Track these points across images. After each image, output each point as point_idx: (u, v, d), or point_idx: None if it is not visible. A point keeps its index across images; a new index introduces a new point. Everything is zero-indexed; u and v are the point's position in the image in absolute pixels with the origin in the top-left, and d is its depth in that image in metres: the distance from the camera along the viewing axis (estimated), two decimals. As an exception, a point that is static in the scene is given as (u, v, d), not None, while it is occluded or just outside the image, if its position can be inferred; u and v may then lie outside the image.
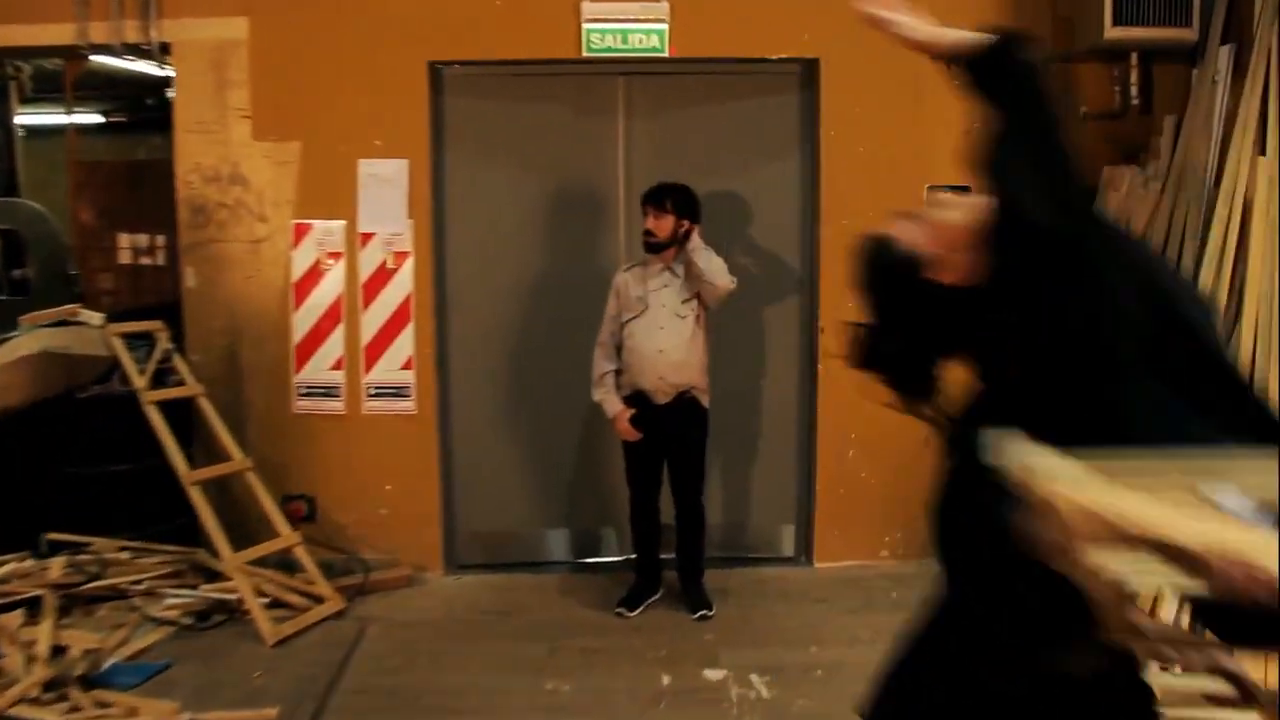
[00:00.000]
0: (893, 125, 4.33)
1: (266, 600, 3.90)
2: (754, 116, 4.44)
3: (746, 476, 4.56)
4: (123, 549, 4.16)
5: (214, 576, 4.09)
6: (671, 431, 3.90)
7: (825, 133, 4.34)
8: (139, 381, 3.99)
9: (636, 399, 3.90)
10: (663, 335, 3.83)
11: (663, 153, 4.39)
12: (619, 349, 3.94)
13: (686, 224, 3.85)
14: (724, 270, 3.79)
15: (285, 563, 4.14)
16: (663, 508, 4.03)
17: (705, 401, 3.96)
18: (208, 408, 4.16)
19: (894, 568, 4.44)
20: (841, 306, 4.29)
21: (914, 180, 4.34)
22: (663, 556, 4.08)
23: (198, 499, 3.91)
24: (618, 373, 3.95)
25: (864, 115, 4.33)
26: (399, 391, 4.38)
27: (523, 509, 4.58)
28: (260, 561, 3.99)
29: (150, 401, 3.97)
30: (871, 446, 4.42)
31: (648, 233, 3.86)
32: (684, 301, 3.86)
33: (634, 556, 4.15)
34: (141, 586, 3.98)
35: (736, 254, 4.41)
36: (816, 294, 4.41)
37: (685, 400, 3.89)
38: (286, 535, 4.10)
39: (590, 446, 4.52)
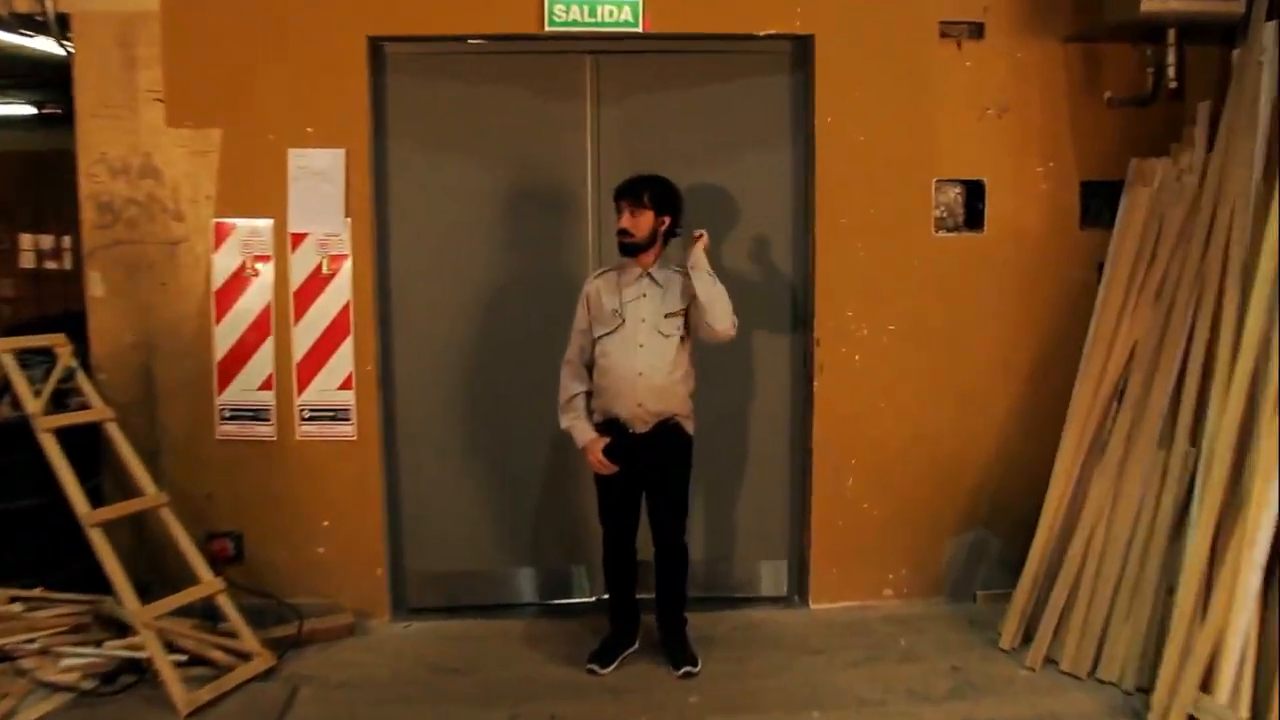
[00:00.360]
0: (896, 111, 3.87)
1: (184, 658, 3.40)
2: (739, 101, 3.95)
3: (733, 507, 4.07)
4: (14, 600, 3.61)
5: (125, 629, 3.54)
6: (651, 462, 3.40)
7: (820, 120, 3.86)
8: (32, 405, 3.45)
9: (611, 426, 3.39)
10: (642, 355, 3.32)
11: (636, 142, 3.90)
12: (590, 368, 3.43)
13: (667, 220, 3.38)
14: (728, 310, 3.31)
15: (211, 610, 3.61)
16: (640, 545, 3.54)
17: (689, 428, 3.46)
18: (117, 434, 3.64)
19: (898, 609, 3.98)
20: (839, 314, 3.85)
21: (920, 173, 3.93)
22: (641, 596, 3.59)
23: (100, 543, 3.37)
24: (589, 394, 3.45)
25: (864, 100, 3.85)
26: (337, 414, 3.86)
27: (481, 546, 4.07)
28: (184, 609, 3.48)
29: (46, 429, 3.43)
30: (874, 473, 3.97)
31: (623, 232, 3.35)
32: (668, 316, 3.35)
33: (607, 597, 3.66)
34: (35, 645, 3.44)
35: (720, 257, 3.92)
36: (811, 301, 3.92)
37: (666, 427, 3.39)
38: (207, 581, 3.58)
39: (557, 475, 4.02)
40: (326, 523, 3.90)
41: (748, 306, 3.92)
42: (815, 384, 3.92)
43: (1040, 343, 3.97)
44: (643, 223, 3.33)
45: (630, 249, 3.36)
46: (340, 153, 3.78)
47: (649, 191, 3.33)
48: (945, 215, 3.97)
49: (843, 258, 3.88)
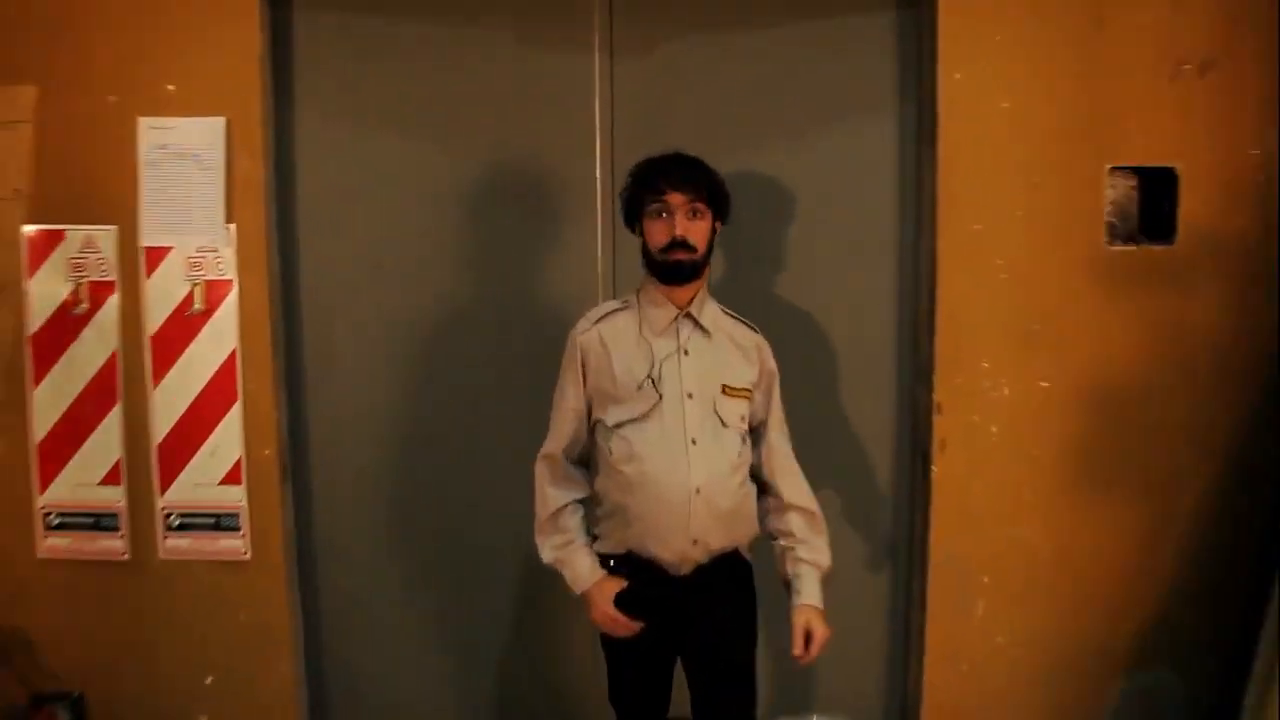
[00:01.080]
0: (1054, 67, 2.65)
1: None
2: (821, 51, 2.72)
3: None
4: None
5: None
6: (697, 612, 2.13)
7: (945, 78, 2.62)
8: None
9: (633, 563, 2.12)
10: (698, 458, 2.04)
11: (665, 111, 2.69)
12: (588, 465, 2.18)
13: (718, 228, 2.17)
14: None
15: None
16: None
17: (747, 552, 2.22)
18: (-117, 553, 2.40)
19: (1047, 789, 2.78)
20: (970, 366, 2.65)
21: (1087, 156, 2.71)
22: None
23: None
24: (583, 502, 2.18)
25: (1007, 49, 2.63)
26: (220, 520, 2.62)
27: (438, 709, 2.84)
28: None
29: None
30: (1013, 594, 2.76)
31: (678, 244, 2.04)
32: (728, 392, 2.09)
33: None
34: None
35: (782, 284, 2.71)
36: (928, 347, 2.70)
37: (724, 561, 2.14)
38: (16, 785, 2.34)
39: (544, 609, 2.79)
40: (210, 679, 2.67)
41: (834, 353, 2.73)
42: (934, 468, 2.70)
43: (1250, 408, 2.77)
44: (703, 229, 2.09)
45: (687, 272, 2.08)
46: (219, 123, 2.53)
47: (710, 182, 2.09)
48: (1116, 220, 2.74)
49: (976, 282, 2.65)
